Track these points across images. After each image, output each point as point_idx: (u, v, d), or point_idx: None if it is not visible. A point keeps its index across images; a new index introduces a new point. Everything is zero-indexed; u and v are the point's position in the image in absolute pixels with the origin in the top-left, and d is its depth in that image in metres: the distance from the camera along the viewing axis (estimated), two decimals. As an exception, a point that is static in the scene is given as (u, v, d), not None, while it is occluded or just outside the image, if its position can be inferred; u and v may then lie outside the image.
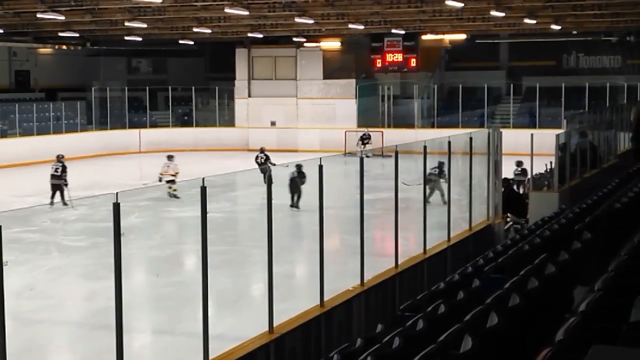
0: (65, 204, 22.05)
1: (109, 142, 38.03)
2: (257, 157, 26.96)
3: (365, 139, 35.79)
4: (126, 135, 39.08)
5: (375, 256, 13.78)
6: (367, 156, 29.18)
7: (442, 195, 19.06)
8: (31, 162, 33.22)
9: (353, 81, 39.68)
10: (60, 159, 23.41)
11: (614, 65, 40.47)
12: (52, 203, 22.04)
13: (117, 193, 7.35)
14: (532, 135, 17.40)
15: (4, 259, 6.61)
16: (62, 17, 26.26)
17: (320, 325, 10.17)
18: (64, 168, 22.97)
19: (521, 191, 20.43)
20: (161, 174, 24.19)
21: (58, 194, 22.55)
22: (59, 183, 22.70)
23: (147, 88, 40.94)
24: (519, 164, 22.01)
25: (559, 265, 6.83)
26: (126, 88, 41.16)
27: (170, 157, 24.79)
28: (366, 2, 24.89)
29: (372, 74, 40.83)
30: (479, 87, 38.77)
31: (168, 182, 23.54)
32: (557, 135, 17.54)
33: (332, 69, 40.32)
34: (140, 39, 36.44)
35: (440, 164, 19.21)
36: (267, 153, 26.97)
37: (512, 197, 18.07)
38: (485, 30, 35.47)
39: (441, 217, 14.65)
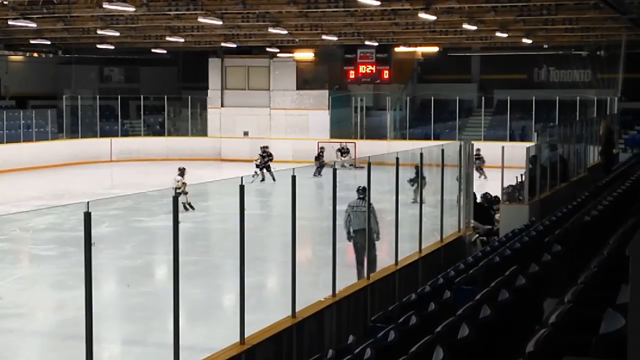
0: (262, 180, 29.82)
1: (80, 151, 37.76)
2: None
3: (343, 153, 35.71)
4: (97, 144, 38.82)
5: (347, 267, 13.80)
6: (346, 167, 29.37)
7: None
8: (1, 170, 32.89)
9: (326, 92, 39.75)
10: (264, 148, 31.59)
11: (584, 79, 40.90)
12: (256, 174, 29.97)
13: (88, 202, 7.30)
14: (503, 147, 17.52)
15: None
16: (34, 25, 26.08)
17: (292, 336, 10.15)
18: (263, 156, 31.08)
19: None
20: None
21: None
22: (260, 166, 30.61)
23: (119, 97, 40.68)
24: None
25: (529, 277, 6.88)
26: (98, 96, 40.94)
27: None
28: (340, 14, 24.96)
29: (345, 85, 40.94)
30: (451, 100, 39.00)
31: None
32: (528, 148, 17.66)
33: (306, 80, 40.37)
34: (112, 47, 36.27)
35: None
36: None
37: (475, 206, 18.11)
38: (458, 43, 35.76)
39: (412, 229, 14.69)
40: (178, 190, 22.67)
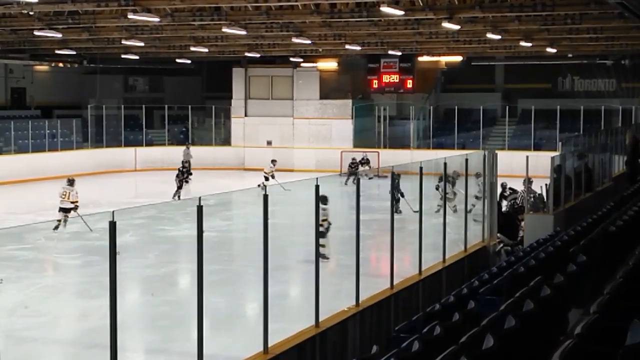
0: (178, 198, 27.37)
1: (105, 160, 37.97)
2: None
3: (363, 164, 35.63)
4: (122, 154, 39.05)
5: (371, 277, 13.77)
6: (370, 177, 29.09)
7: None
8: (26, 179, 33.15)
9: (349, 102, 39.76)
10: (184, 163, 30.65)
11: (609, 88, 40.63)
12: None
13: (113, 211, 7.34)
14: (527, 157, 17.45)
15: (-1, 276, 6.61)
16: (59, 35, 26.30)
17: (315, 345, 10.14)
18: (182, 172, 28.76)
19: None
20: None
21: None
22: (178, 183, 28.24)
23: (144, 106, 40.92)
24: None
25: (554, 288, 6.82)
26: (122, 106, 41.16)
27: (274, 161, 30.46)
28: (363, 24, 24.97)
29: (368, 94, 40.93)
30: (474, 109, 38.88)
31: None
32: (552, 158, 17.57)
33: (329, 89, 40.40)
34: (137, 57, 36.51)
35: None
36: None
37: (502, 216, 18.08)
38: (481, 52, 35.63)
39: (436, 238, 14.64)
40: (77, 203, 21.04)
